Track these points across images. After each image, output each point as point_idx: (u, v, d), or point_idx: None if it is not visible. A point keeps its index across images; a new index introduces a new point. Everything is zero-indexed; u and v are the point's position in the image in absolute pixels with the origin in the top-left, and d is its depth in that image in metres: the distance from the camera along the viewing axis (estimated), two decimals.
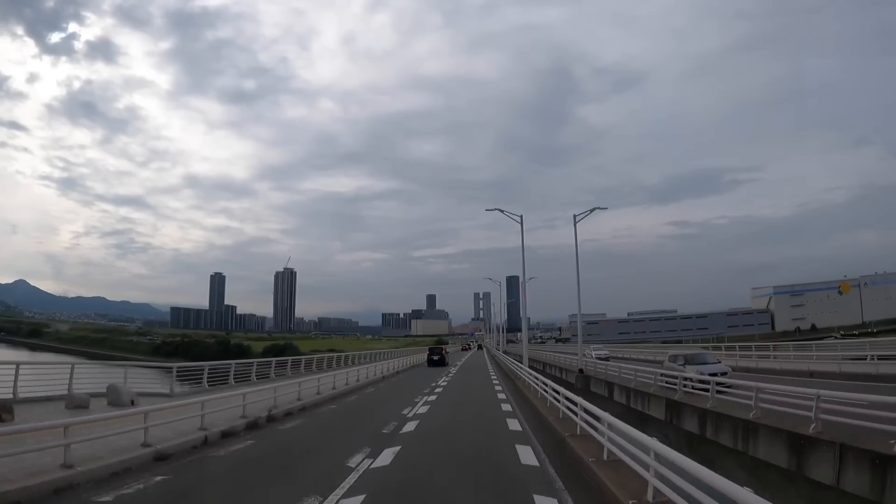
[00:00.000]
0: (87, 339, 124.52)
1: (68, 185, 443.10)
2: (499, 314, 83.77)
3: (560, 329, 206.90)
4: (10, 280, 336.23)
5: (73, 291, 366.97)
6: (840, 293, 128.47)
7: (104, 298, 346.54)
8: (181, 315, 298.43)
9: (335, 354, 38.53)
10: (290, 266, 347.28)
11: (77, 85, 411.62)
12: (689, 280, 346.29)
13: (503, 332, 71.13)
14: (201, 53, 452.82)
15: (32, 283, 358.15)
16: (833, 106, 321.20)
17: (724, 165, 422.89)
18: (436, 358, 46.55)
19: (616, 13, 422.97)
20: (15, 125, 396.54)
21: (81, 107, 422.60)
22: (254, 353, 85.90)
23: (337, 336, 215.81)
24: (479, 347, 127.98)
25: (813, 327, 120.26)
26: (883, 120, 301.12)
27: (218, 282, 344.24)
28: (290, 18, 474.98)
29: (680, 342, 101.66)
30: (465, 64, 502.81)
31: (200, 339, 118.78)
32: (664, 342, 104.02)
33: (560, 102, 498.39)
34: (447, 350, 61.26)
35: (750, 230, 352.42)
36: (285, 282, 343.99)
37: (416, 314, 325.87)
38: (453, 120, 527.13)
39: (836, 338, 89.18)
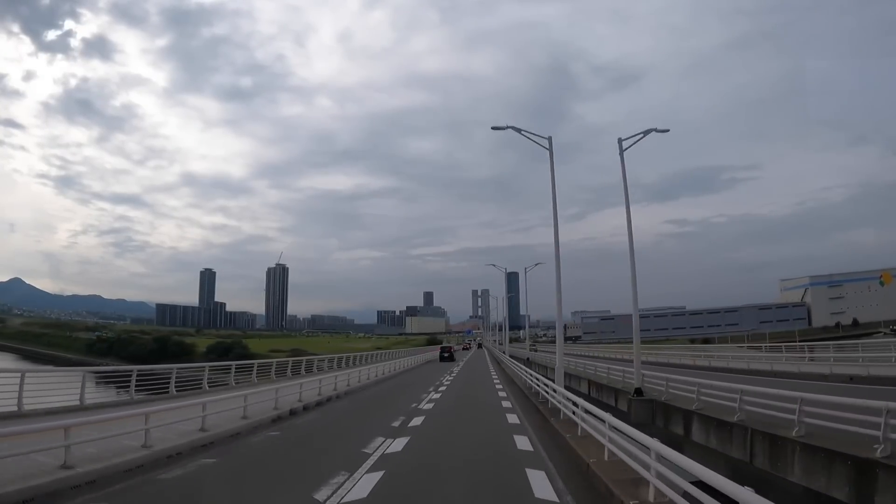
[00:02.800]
0: (25, 335, 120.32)
1: (65, 183, 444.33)
2: (501, 309, 75.35)
3: (566, 327, 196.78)
4: (5, 278, 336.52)
5: (69, 290, 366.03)
6: (882, 284, 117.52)
7: (100, 297, 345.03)
8: (167, 312, 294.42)
9: (292, 359, 31.13)
10: (282, 262, 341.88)
11: (73, 83, 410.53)
12: (689, 278, 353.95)
13: (530, 327, 64.97)
14: (198, 51, 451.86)
15: (28, 281, 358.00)
16: (832, 104, 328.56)
17: (722, 164, 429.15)
18: (446, 355, 61.18)
19: (614, 10, 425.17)
20: (11, 123, 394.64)
21: (78, 105, 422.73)
22: (196, 354, 79.36)
23: (325, 334, 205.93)
24: (479, 346, 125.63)
25: (855, 322, 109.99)
26: (882, 119, 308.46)
27: (208, 278, 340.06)
28: (286, 15, 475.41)
29: (710, 341, 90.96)
30: (462, 61, 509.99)
31: (135, 336, 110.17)
32: (692, 340, 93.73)
33: (558, 100, 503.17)
34: (461, 348, 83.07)
35: (748, 229, 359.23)
36: (277, 278, 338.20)
37: (411, 311, 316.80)
38: (451, 117, 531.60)
39: (885, 334, 79.05)
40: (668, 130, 18.95)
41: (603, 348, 66.30)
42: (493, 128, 19.79)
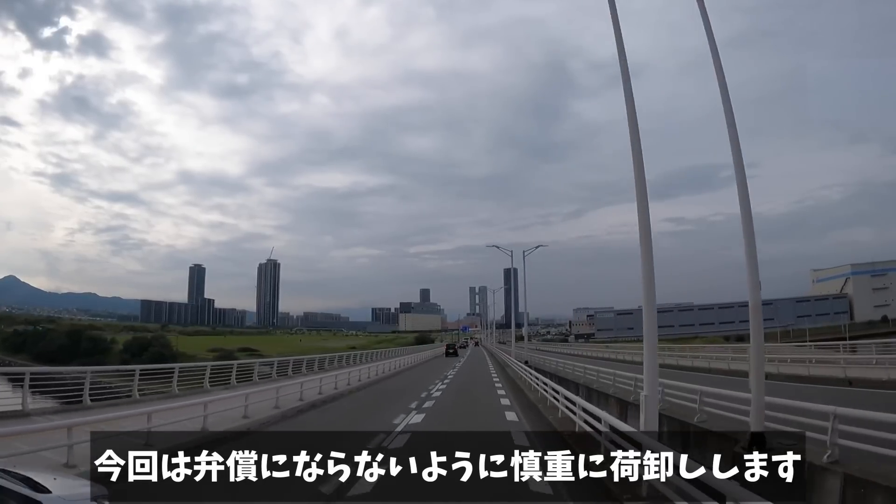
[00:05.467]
0: None
1: (62, 181, 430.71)
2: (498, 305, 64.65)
3: (570, 323, 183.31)
4: None
5: (65, 288, 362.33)
6: None
7: (95, 295, 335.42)
8: (152, 308, 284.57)
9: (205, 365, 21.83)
10: (273, 257, 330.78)
11: (69, 80, 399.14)
12: (686, 276, 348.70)
13: (529, 325, 50.41)
14: (193, 47, 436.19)
15: (24, 279, 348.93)
16: (831, 103, 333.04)
17: (720, 162, 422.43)
18: (451, 351, 69.55)
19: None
20: (7, 121, 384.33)
21: (74, 102, 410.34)
22: (113, 352, 69.69)
23: (313, 332, 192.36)
24: (476, 344, 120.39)
25: None
26: (881, 117, 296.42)
27: (197, 274, 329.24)
28: (282, 12, 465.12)
29: (743, 339, 75.67)
30: (459, 58, 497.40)
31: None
32: (726, 338, 79.26)
33: (555, 97, 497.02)
34: (458, 347, 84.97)
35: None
36: (269, 274, 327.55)
37: (405, 308, 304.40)
38: (448, 115, 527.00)
39: None
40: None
41: (624, 348, 51.55)
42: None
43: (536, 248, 34.89)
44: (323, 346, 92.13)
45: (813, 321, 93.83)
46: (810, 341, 54.24)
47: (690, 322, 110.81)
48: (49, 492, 4.30)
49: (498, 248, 35.35)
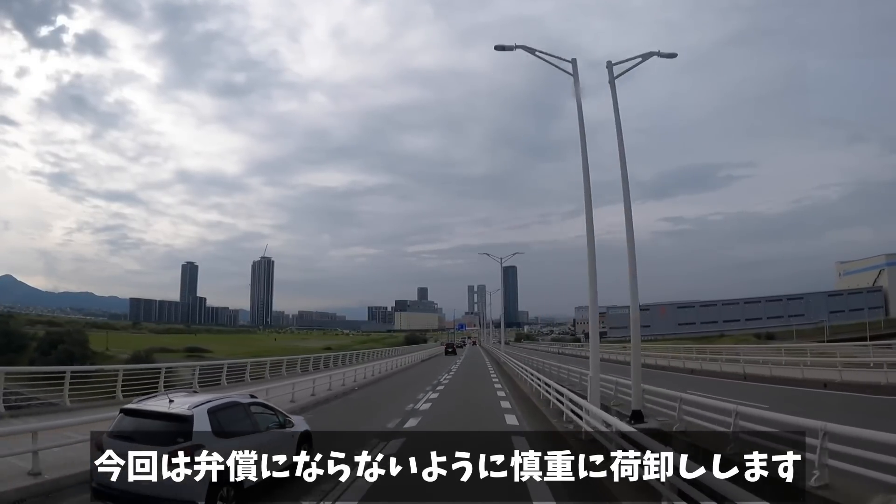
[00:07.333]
0: None
1: (59, 180, 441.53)
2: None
3: (574, 322, 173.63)
4: None
5: (62, 287, 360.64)
6: None
7: (92, 294, 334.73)
8: (142, 307, 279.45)
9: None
10: (267, 255, 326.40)
11: (66, 79, 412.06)
12: (685, 276, 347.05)
13: (528, 325, 38.24)
14: (191, 46, 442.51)
15: (21, 278, 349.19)
16: (830, 102, 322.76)
17: (719, 161, 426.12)
18: (450, 350, 73.48)
19: (610, 5, 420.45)
20: (5, 120, 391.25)
21: (71, 101, 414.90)
22: (29, 350, 60.77)
23: (302, 332, 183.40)
24: (474, 344, 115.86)
25: None
26: (879, 117, 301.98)
27: (190, 272, 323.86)
28: (279, 10, 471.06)
29: (773, 337, 67.34)
30: (457, 57, 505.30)
31: None
32: (757, 336, 70.25)
33: (554, 96, 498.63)
34: (455, 346, 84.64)
35: (745, 226, 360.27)
36: (263, 272, 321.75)
37: (401, 306, 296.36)
38: (446, 113, 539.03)
39: None
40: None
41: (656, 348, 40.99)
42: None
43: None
44: (296, 347, 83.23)
45: (846, 317, 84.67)
46: (845, 339, 44.49)
47: (713, 319, 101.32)
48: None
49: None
